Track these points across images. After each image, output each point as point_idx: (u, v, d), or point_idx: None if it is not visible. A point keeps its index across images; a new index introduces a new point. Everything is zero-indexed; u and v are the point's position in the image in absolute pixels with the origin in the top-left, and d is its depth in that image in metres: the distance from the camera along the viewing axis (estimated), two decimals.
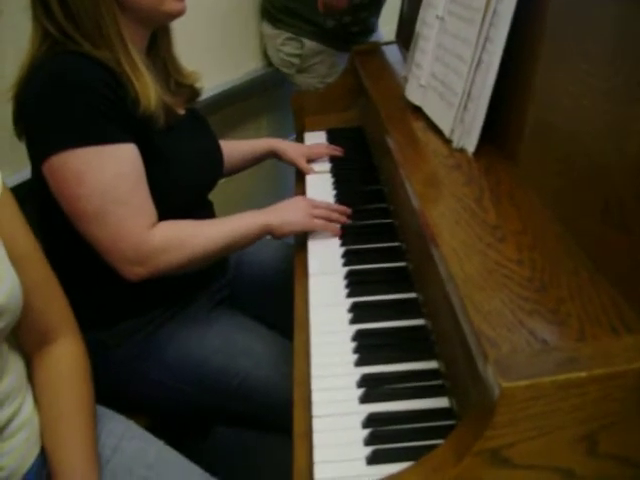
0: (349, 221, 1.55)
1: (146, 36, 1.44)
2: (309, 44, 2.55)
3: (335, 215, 1.53)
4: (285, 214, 1.47)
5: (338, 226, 1.52)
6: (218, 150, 1.65)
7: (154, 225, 1.31)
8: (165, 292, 1.44)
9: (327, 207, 1.55)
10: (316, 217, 1.49)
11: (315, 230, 1.50)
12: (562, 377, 0.70)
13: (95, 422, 1.14)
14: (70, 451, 1.07)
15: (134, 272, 1.30)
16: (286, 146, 1.95)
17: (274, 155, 1.95)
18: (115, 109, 1.26)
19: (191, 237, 1.35)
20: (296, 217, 1.47)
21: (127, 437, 1.20)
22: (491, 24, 1.23)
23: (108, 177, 1.24)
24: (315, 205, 1.52)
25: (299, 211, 1.48)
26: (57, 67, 1.26)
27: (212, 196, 1.65)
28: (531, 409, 0.71)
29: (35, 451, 1.07)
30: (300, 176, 1.93)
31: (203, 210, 1.59)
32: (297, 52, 2.59)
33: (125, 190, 1.26)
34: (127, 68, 1.30)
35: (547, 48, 1.12)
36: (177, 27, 1.45)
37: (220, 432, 1.97)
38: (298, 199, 1.57)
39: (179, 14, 1.40)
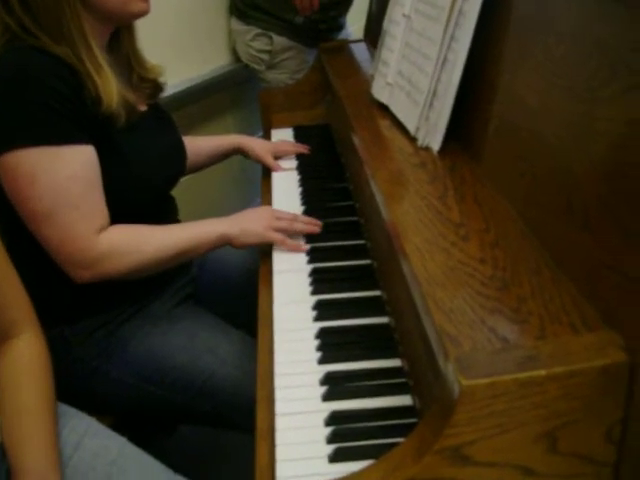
0: (317, 230, 1.50)
1: (108, 32, 1.43)
2: (278, 40, 2.55)
3: (299, 226, 1.48)
4: (245, 224, 1.44)
5: (301, 242, 1.48)
6: (180, 146, 1.64)
7: (104, 229, 1.30)
8: (127, 289, 1.42)
9: (291, 218, 1.50)
10: (278, 229, 1.45)
11: (274, 242, 1.46)
12: (522, 375, 0.70)
13: (56, 419, 1.13)
14: (30, 447, 1.05)
15: (79, 275, 1.29)
16: (253, 143, 1.95)
17: (240, 152, 1.95)
18: (72, 107, 1.25)
19: (140, 243, 1.34)
20: (255, 227, 1.44)
21: (89, 434, 1.19)
22: (457, 23, 1.23)
23: (60, 179, 1.23)
24: (278, 217, 1.48)
25: (260, 221, 1.45)
26: (13, 62, 1.24)
27: (177, 193, 1.63)
28: (491, 407, 0.71)
29: None
30: (266, 173, 1.93)
31: (164, 207, 1.58)
32: (267, 48, 2.59)
33: (76, 193, 1.25)
34: (88, 65, 1.28)
35: (511, 47, 1.13)
36: (143, 22, 1.44)
37: (184, 430, 1.96)
38: (262, 209, 1.55)
39: (144, 14, 1.40)
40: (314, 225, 1.49)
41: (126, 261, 1.31)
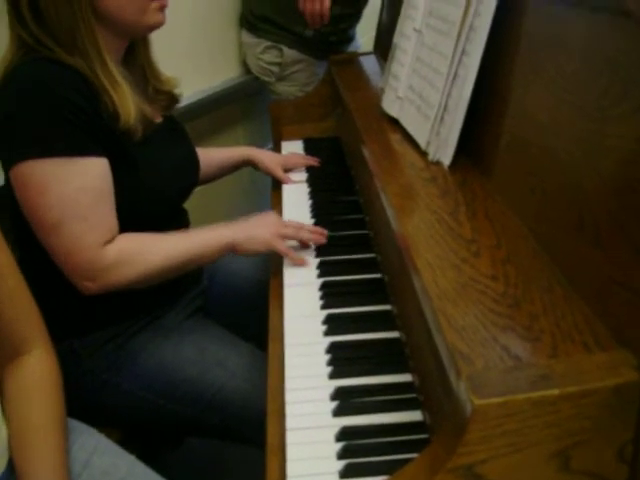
0: (323, 240, 1.49)
1: (123, 46, 1.43)
2: (289, 52, 2.56)
3: (305, 234, 1.48)
4: (251, 230, 1.44)
5: (305, 256, 1.48)
6: (194, 158, 1.64)
7: (111, 241, 1.30)
8: (138, 302, 1.43)
9: (297, 227, 1.50)
10: (284, 237, 1.45)
11: (278, 252, 1.45)
12: (535, 395, 0.70)
13: (66, 436, 1.12)
14: (39, 465, 1.05)
15: (85, 287, 1.29)
16: (263, 155, 1.95)
17: (250, 164, 1.95)
18: (87, 119, 1.25)
19: (145, 253, 1.33)
20: (262, 234, 1.43)
21: (98, 452, 1.18)
22: (467, 38, 1.24)
23: (70, 190, 1.23)
24: (285, 224, 1.49)
25: (266, 228, 1.44)
26: (29, 74, 1.25)
27: (187, 205, 1.64)
28: (504, 426, 0.71)
29: (2, 464, 1.05)
30: (276, 185, 1.93)
31: (178, 219, 1.59)
32: (277, 60, 2.59)
33: (86, 205, 1.25)
34: (104, 80, 1.29)
35: (523, 63, 1.13)
36: (155, 33, 1.45)
37: (193, 443, 1.96)
38: (268, 215, 1.54)
39: (159, 25, 1.41)
40: (320, 234, 1.49)
41: (133, 270, 1.31)
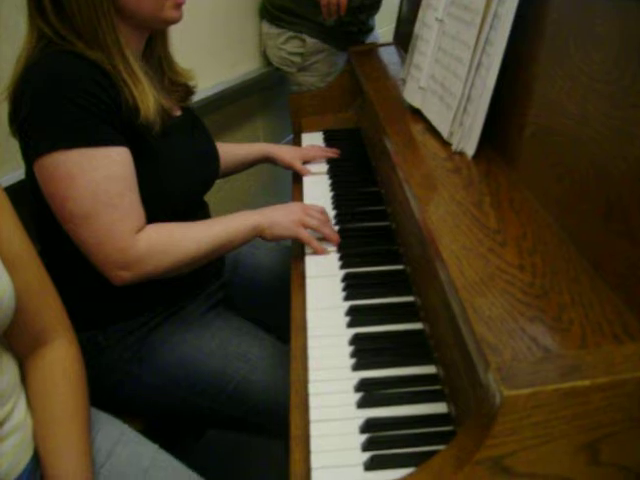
0: (334, 243, 1.50)
1: (143, 40, 1.44)
2: (311, 42, 2.56)
3: (327, 230, 1.49)
4: (276, 216, 1.45)
5: (327, 247, 1.49)
6: (214, 151, 1.65)
7: (141, 229, 1.30)
8: (160, 294, 1.43)
9: (321, 219, 1.50)
10: (307, 226, 1.46)
11: (301, 240, 1.47)
12: (565, 385, 0.69)
13: (90, 425, 1.13)
14: (64, 455, 1.05)
15: (119, 276, 1.29)
16: (281, 151, 1.96)
17: (269, 160, 1.96)
18: (108, 110, 1.25)
19: (178, 241, 1.34)
20: (286, 221, 1.45)
21: (122, 441, 1.19)
22: (491, 27, 1.22)
23: (98, 180, 1.23)
24: (309, 213, 1.49)
25: (290, 215, 1.46)
26: (50, 67, 1.25)
27: (208, 197, 1.64)
28: (533, 417, 0.70)
29: (27, 455, 1.05)
30: (297, 178, 1.93)
31: (198, 211, 1.59)
32: (299, 50, 2.59)
33: (114, 193, 1.25)
34: (125, 75, 1.30)
35: (548, 51, 1.11)
36: (176, 27, 1.45)
37: (215, 434, 1.96)
38: (293, 204, 1.55)
39: (176, 21, 1.41)
40: (334, 240, 1.50)
41: (165, 259, 1.31)
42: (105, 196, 1.24)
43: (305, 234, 1.45)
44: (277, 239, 1.46)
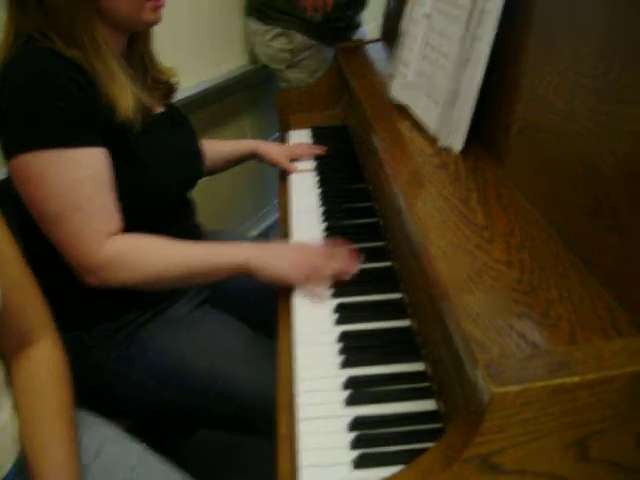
0: (345, 277, 1.34)
1: (123, 39, 1.43)
2: (299, 38, 2.56)
3: (327, 272, 1.32)
4: (273, 258, 1.33)
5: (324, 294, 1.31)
6: (197, 148, 1.63)
7: (112, 235, 1.27)
8: (145, 293, 1.41)
9: (328, 255, 1.35)
10: (308, 279, 1.31)
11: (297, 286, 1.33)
12: (554, 382, 0.69)
13: (76, 426, 1.12)
14: (50, 456, 1.05)
15: (87, 280, 1.27)
16: (268, 148, 1.95)
17: (256, 157, 1.95)
18: (85, 110, 1.24)
19: (146, 257, 1.30)
20: (284, 268, 1.31)
21: (108, 441, 1.18)
22: (478, 22, 1.22)
23: (68, 181, 1.22)
24: (315, 267, 1.32)
25: (291, 263, 1.32)
26: (28, 65, 1.23)
27: (195, 194, 1.63)
28: (522, 414, 0.70)
29: (12, 457, 1.04)
30: (284, 176, 1.92)
31: (182, 209, 1.58)
32: (287, 47, 2.59)
33: (84, 196, 1.24)
34: (102, 73, 1.29)
35: (535, 46, 1.11)
36: (160, 25, 1.44)
37: (205, 433, 1.96)
38: (299, 250, 1.39)
39: (155, 23, 1.41)
40: (347, 268, 1.35)
41: (128, 272, 1.28)
42: (74, 198, 1.23)
43: (300, 283, 1.32)
44: (267, 282, 1.32)
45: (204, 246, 1.38)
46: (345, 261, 1.35)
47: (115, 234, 1.28)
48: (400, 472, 0.78)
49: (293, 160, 1.95)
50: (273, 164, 1.94)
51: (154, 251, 1.32)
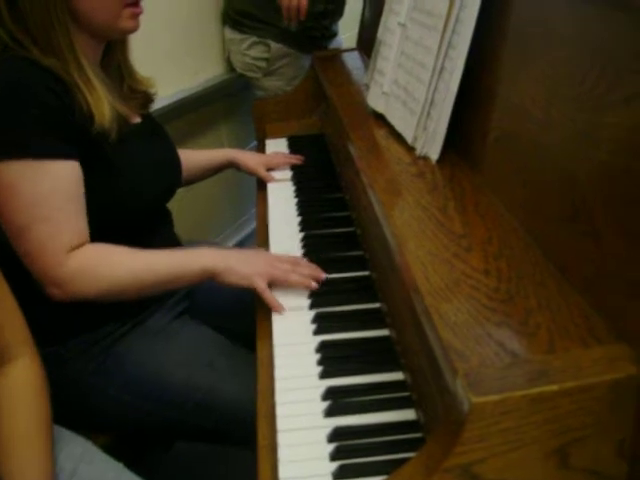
0: (313, 286, 1.33)
1: (100, 48, 1.42)
2: (275, 47, 2.56)
3: (294, 278, 1.34)
4: (234, 262, 1.34)
5: (280, 306, 1.31)
6: (175, 158, 1.62)
7: (78, 247, 1.26)
8: (122, 305, 1.40)
9: (288, 269, 1.36)
10: (270, 277, 1.33)
11: (255, 290, 1.33)
12: (533, 391, 0.69)
13: (52, 444, 1.10)
14: (26, 474, 1.03)
15: (52, 293, 1.26)
16: (245, 156, 1.94)
17: (233, 166, 1.94)
18: (60, 120, 1.23)
19: (111, 267, 1.29)
20: (244, 270, 1.33)
21: (85, 460, 1.16)
22: (454, 31, 1.22)
23: (37, 193, 1.21)
24: (276, 266, 1.35)
25: (252, 265, 1.35)
26: (3, 74, 1.22)
27: (171, 205, 1.62)
28: (502, 424, 0.70)
29: None
30: (261, 184, 1.92)
31: (159, 219, 1.57)
32: (264, 56, 2.59)
33: (54, 208, 1.22)
34: (79, 81, 1.28)
35: (511, 55, 1.12)
36: (136, 34, 1.43)
37: (183, 445, 1.94)
38: (260, 253, 1.46)
39: (132, 31, 1.39)
40: (312, 279, 1.35)
41: (95, 283, 1.27)
42: (42, 210, 1.21)
43: (261, 285, 1.32)
44: (230, 286, 1.34)
45: (168, 253, 1.37)
46: (311, 268, 1.37)
47: (81, 246, 1.27)
48: None
49: (270, 169, 1.94)
50: (250, 173, 1.93)
51: (118, 261, 1.31)
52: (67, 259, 1.24)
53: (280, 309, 1.30)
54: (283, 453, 0.97)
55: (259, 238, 1.67)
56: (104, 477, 1.15)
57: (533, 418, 0.70)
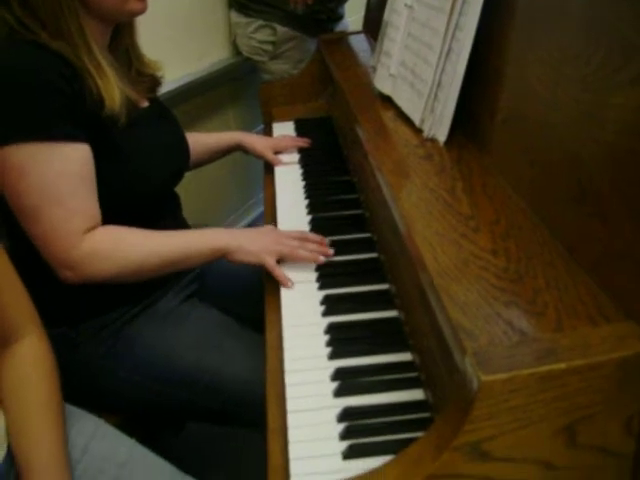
0: (320, 260, 1.36)
1: (108, 31, 1.42)
2: (282, 30, 2.55)
3: (302, 253, 1.37)
4: (244, 240, 1.37)
5: (289, 281, 1.34)
6: (183, 142, 1.63)
7: (91, 230, 1.27)
8: (132, 288, 1.41)
9: (296, 244, 1.38)
10: (278, 254, 1.36)
11: (265, 267, 1.36)
12: (542, 369, 0.69)
13: (64, 421, 1.11)
14: (39, 452, 1.04)
15: (65, 275, 1.26)
16: (252, 139, 1.94)
17: (240, 149, 1.95)
18: (69, 104, 1.23)
19: (125, 248, 1.30)
20: (253, 247, 1.37)
21: (97, 436, 1.17)
22: (461, 12, 1.22)
23: (49, 175, 1.21)
24: (283, 242, 1.38)
25: (260, 242, 1.38)
26: (11, 58, 1.22)
27: (179, 189, 1.62)
28: (510, 402, 0.70)
29: (1, 453, 1.04)
30: (269, 168, 1.92)
31: (167, 203, 1.57)
32: (270, 39, 2.58)
33: (65, 191, 1.23)
34: (89, 67, 1.28)
35: (518, 36, 1.11)
36: (142, 18, 1.43)
37: (194, 426, 1.96)
38: (266, 229, 1.48)
39: (140, 13, 1.40)
40: (319, 253, 1.38)
41: (109, 265, 1.28)
42: (54, 193, 1.22)
43: (270, 262, 1.35)
44: (241, 264, 1.38)
45: (179, 234, 1.40)
46: (318, 244, 1.40)
47: (94, 228, 1.28)
48: (390, 462, 0.78)
49: (278, 152, 1.95)
50: (257, 156, 1.94)
51: (132, 242, 1.32)
52: (80, 242, 1.24)
53: (289, 284, 1.33)
54: (293, 433, 0.98)
55: (267, 221, 1.67)
56: (116, 452, 1.16)
57: (541, 396, 0.71)
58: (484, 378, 0.69)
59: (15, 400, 1.08)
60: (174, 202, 1.63)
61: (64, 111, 1.23)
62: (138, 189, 1.39)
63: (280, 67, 2.64)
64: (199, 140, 1.84)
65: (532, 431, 0.73)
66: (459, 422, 0.72)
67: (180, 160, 1.61)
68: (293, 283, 1.33)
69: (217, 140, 1.93)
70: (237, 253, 1.36)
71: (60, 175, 1.22)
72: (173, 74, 2.39)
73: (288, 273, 1.34)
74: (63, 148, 1.23)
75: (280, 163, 1.90)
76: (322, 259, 1.36)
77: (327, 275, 1.33)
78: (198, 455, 2.02)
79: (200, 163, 1.89)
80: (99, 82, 1.28)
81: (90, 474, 1.12)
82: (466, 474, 0.74)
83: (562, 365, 0.69)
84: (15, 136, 1.19)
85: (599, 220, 0.82)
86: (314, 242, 1.41)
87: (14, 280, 1.11)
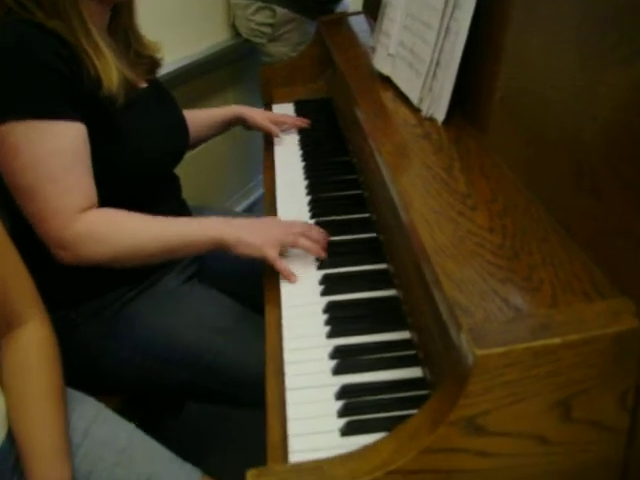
0: (322, 254, 1.33)
1: (107, 12, 1.42)
2: (281, 12, 2.55)
3: (305, 243, 1.33)
4: (244, 233, 1.32)
5: (293, 275, 1.30)
6: (182, 122, 1.63)
7: (86, 210, 1.26)
8: (131, 269, 1.41)
9: (300, 233, 1.33)
10: (281, 245, 1.32)
11: (267, 261, 1.32)
12: (536, 344, 0.70)
13: (65, 406, 1.12)
14: (40, 435, 1.05)
15: (60, 255, 1.26)
16: (252, 112, 1.95)
17: (240, 121, 1.95)
18: (65, 83, 1.24)
19: (120, 232, 1.29)
20: (254, 240, 1.31)
21: (98, 421, 1.18)
22: None
23: (44, 153, 1.21)
24: (286, 232, 1.33)
25: (262, 235, 1.32)
26: (7, 37, 1.23)
27: (179, 170, 1.62)
28: (505, 376, 0.71)
29: (1, 435, 1.05)
30: (268, 149, 1.92)
31: (167, 185, 1.58)
32: (269, 21, 2.58)
33: (59, 168, 1.22)
34: (87, 47, 1.28)
35: (517, 14, 1.11)
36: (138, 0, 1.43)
37: (193, 408, 1.97)
38: (270, 222, 1.44)
39: None
40: (320, 249, 1.33)
41: (102, 248, 1.27)
42: (48, 170, 1.22)
43: (272, 255, 1.30)
44: (244, 257, 1.33)
45: (178, 221, 1.37)
46: (319, 233, 1.37)
47: (89, 209, 1.27)
48: (387, 436, 0.79)
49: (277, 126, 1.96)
50: (257, 128, 1.95)
51: (127, 227, 1.31)
52: (74, 221, 1.24)
53: (293, 278, 1.30)
54: (292, 411, 0.99)
55: (267, 202, 1.67)
56: (116, 437, 1.17)
57: (536, 371, 0.71)
58: (479, 352, 0.69)
59: (17, 385, 1.08)
60: (174, 184, 1.63)
61: (59, 90, 1.23)
62: (136, 170, 1.39)
63: (279, 50, 2.63)
64: (198, 115, 1.84)
65: (527, 405, 0.73)
66: (455, 397, 0.73)
67: (179, 141, 1.61)
68: (297, 278, 1.30)
69: (216, 114, 1.94)
70: (238, 246, 1.32)
71: (53, 152, 1.22)
72: (172, 56, 2.39)
73: (288, 255, 1.34)
74: (56, 126, 1.23)
75: (279, 134, 1.92)
76: (324, 254, 1.33)
77: (327, 254, 1.33)
78: (197, 437, 2.03)
79: (200, 139, 1.88)
80: (97, 63, 1.28)
81: (90, 459, 1.13)
82: (461, 448, 0.75)
83: (557, 340, 0.70)
84: (9, 115, 1.19)
85: (594, 197, 0.82)
86: (318, 235, 1.37)
87: (17, 263, 1.11)
